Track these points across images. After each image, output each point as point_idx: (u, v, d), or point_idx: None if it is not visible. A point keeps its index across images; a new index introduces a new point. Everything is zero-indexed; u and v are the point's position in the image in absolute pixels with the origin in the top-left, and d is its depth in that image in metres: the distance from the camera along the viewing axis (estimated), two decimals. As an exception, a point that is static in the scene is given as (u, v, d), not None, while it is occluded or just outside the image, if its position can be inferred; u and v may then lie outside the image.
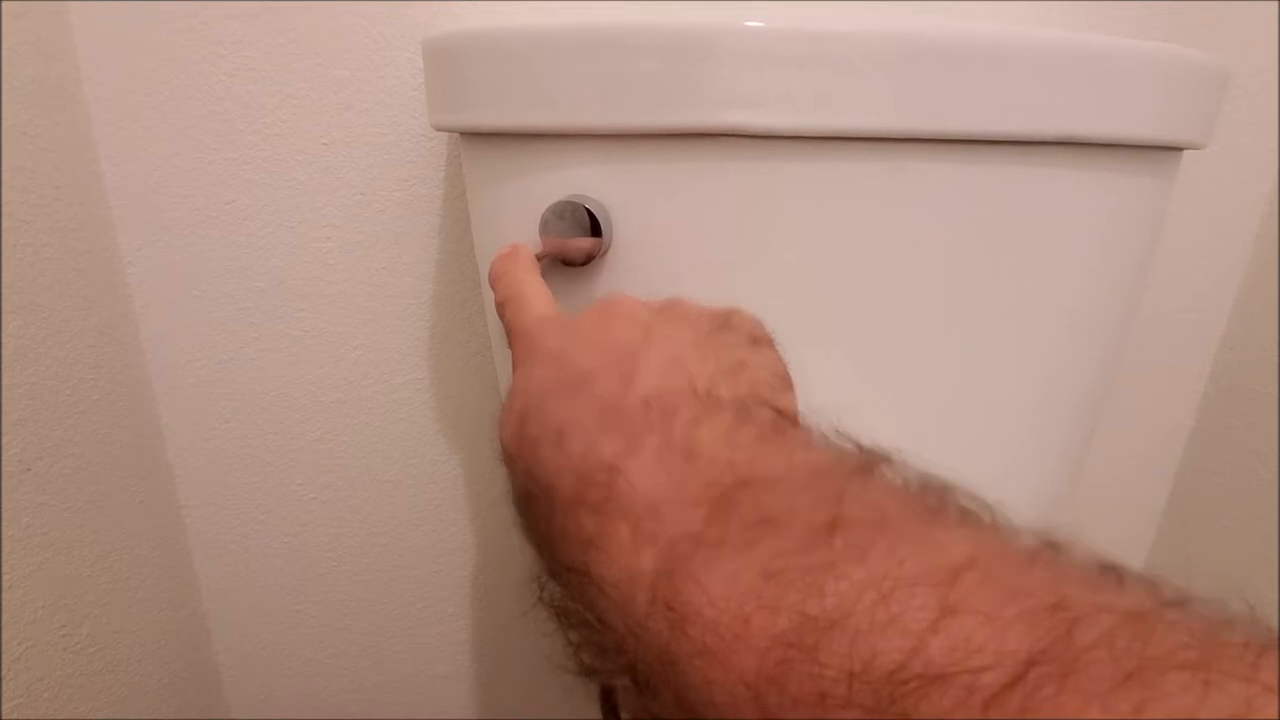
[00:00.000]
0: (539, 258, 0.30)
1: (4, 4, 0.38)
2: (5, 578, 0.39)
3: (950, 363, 0.33)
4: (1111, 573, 0.14)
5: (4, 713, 0.39)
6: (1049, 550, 0.15)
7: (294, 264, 0.49)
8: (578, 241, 0.30)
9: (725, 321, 0.26)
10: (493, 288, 0.29)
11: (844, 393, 0.33)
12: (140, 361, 0.50)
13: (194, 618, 0.56)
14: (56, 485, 0.43)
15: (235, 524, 0.55)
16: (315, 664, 0.60)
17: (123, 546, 0.48)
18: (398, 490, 0.55)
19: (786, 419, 0.22)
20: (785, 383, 0.26)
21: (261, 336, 0.50)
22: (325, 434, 0.53)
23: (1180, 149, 0.34)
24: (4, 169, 0.38)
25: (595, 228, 0.30)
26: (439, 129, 0.35)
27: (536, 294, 0.27)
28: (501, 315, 0.28)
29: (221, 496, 0.54)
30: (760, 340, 0.26)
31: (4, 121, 0.38)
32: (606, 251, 0.31)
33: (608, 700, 0.53)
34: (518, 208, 0.32)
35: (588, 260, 0.31)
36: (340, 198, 0.48)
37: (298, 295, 0.50)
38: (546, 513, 0.21)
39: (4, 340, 0.39)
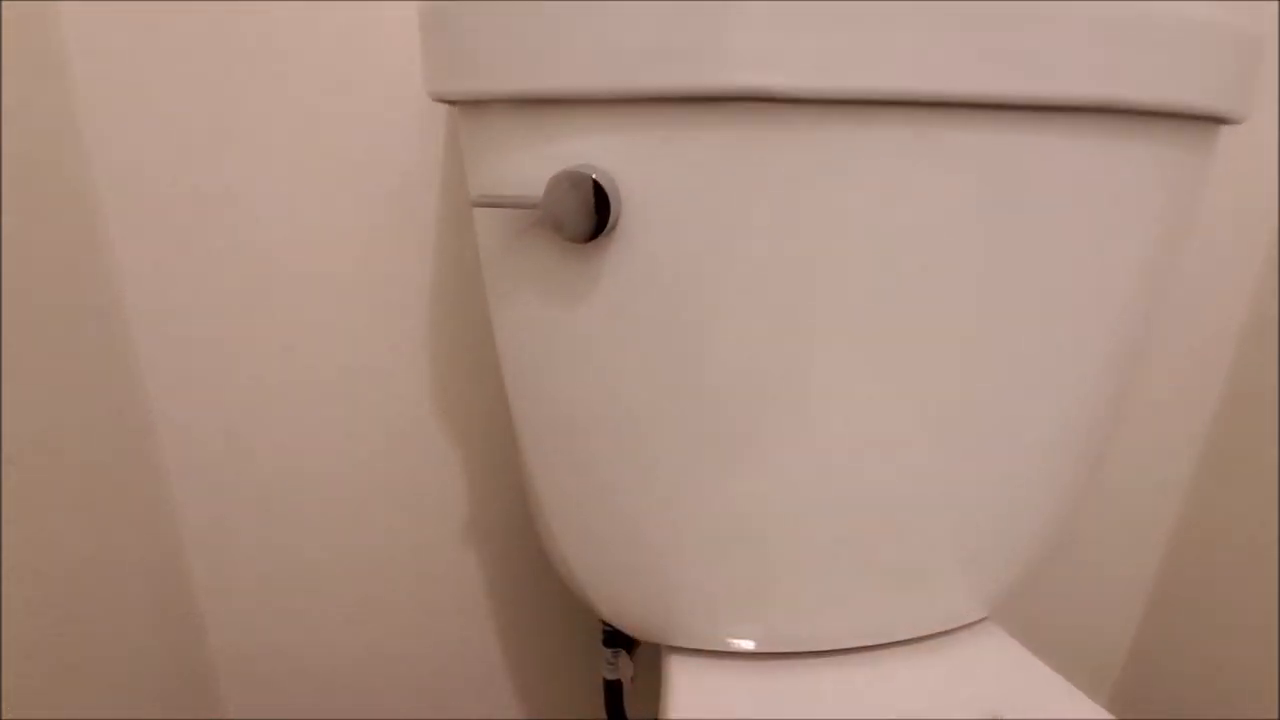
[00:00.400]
0: None
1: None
2: (-10, 573, 0.38)
3: (977, 338, 0.32)
4: None
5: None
6: None
7: (288, 247, 0.47)
8: None
9: None
10: None
11: (867, 368, 0.32)
12: (131, 351, 0.49)
13: (189, 616, 0.55)
14: (46, 480, 0.41)
15: (230, 520, 0.54)
16: (310, 663, 0.59)
17: (115, 544, 0.47)
18: (396, 485, 0.54)
19: None
20: None
21: (255, 323, 0.49)
22: (322, 426, 0.52)
23: (1222, 121, 0.32)
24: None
25: (602, 199, 0.28)
26: (437, 99, 0.33)
27: None
28: None
29: (215, 492, 0.53)
30: None
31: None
32: (615, 226, 0.29)
33: (612, 698, 0.52)
34: (520, 181, 0.30)
35: (593, 236, 0.29)
36: (336, 178, 0.46)
37: (293, 281, 0.48)
38: None
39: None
